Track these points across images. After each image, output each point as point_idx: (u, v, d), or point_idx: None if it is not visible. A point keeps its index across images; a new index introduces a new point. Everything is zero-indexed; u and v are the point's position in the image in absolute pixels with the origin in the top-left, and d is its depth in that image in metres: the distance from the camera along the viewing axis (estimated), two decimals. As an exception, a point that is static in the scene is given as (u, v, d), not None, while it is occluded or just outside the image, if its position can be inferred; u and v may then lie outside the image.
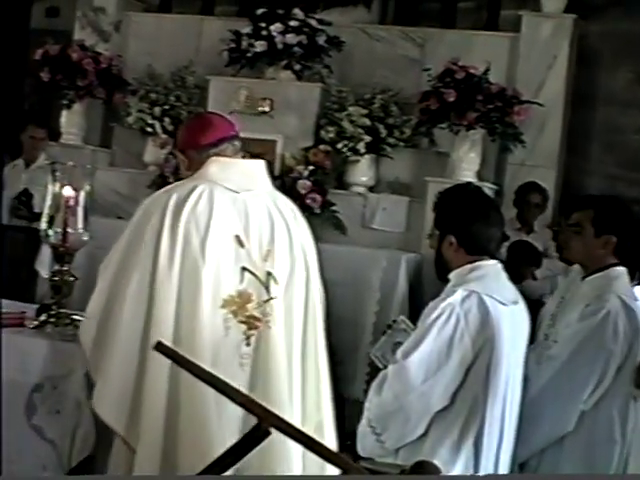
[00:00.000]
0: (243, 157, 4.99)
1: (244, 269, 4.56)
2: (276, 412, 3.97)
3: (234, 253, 4.55)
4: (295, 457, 4.40)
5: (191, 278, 4.46)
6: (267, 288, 4.59)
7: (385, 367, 4.77)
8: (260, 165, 4.86)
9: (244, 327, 4.55)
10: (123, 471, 4.41)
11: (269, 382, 4.55)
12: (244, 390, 4.08)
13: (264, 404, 4.39)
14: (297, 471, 4.41)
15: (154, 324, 4.43)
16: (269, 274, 4.60)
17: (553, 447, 4.92)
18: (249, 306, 4.56)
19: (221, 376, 3.86)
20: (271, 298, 4.59)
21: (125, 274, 4.54)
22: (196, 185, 4.60)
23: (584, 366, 4.79)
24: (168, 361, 3.84)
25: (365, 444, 4.64)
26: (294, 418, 4.47)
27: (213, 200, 4.55)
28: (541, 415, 4.88)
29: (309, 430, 4.48)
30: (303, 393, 4.68)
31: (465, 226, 4.73)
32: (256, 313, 4.57)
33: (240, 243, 4.57)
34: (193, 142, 4.89)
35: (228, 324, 4.52)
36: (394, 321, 5.29)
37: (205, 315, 4.45)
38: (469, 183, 5.40)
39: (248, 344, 4.55)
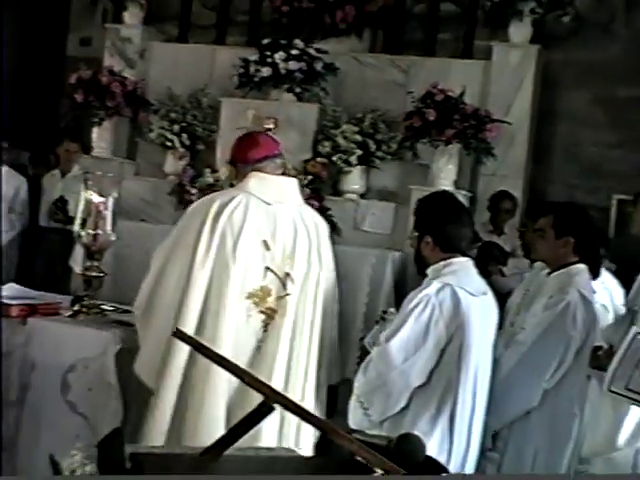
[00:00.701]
0: (283, 173, 5.20)
1: (267, 268, 4.83)
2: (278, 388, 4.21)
3: (261, 255, 4.81)
4: None
5: (222, 272, 4.71)
6: (284, 286, 4.85)
7: None
8: (292, 182, 5.14)
9: (263, 316, 4.83)
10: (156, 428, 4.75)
11: (275, 361, 4.80)
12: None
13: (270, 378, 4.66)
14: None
15: (185, 306, 4.70)
16: (287, 274, 4.86)
17: (521, 419, 4.95)
18: (269, 299, 4.83)
19: (241, 355, 4.63)
20: (287, 294, 4.85)
21: (170, 263, 4.84)
22: (236, 195, 4.84)
23: (547, 349, 4.82)
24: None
25: (354, 417, 4.68)
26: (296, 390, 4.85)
27: (248, 209, 4.79)
28: (510, 392, 4.91)
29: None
30: (305, 374, 4.95)
31: (439, 227, 4.79)
32: (273, 306, 4.84)
33: (267, 247, 4.83)
34: (241, 157, 5.13)
35: (250, 313, 4.80)
36: (384, 312, 5.31)
37: (231, 303, 4.71)
38: (444, 191, 5.47)
39: (265, 330, 4.82)
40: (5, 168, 9.68)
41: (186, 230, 4.89)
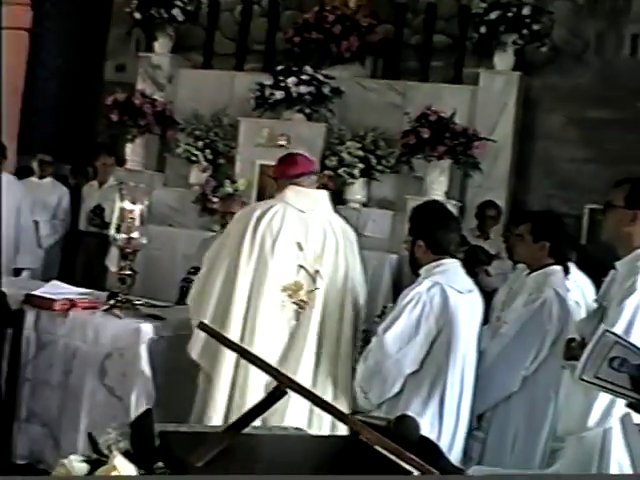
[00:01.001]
0: (318, 187, 5.45)
1: (300, 266, 4.98)
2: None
3: (295, 254, 4.97)
4: None
5: (262, 268, 4.89)
6: (314, 281, 4.98)
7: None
8: (323, 194, 5.28)
9: (295, 307, 4.96)
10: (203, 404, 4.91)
11: (305, 346, 4.95)
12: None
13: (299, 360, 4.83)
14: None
15: (233, 295, 4.89)
16: (317, 272, 4.99)
17: (503, 402, 4.95)
18: (300, 292, 4.98)
19: (277, 338, 4.89)
20: (316, 289, 4.97)
21: (219, 260, 5.00)
22: (274, 204, 5.05)
23: (526, 341, 4.83)
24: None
25: (358, 400, 4.70)
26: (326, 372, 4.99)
27: (284, 216, 4.98)
28: (493, 379, 4.91)
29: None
30: (334, 358, 5.05)
31: (430, 232, 4.80)
32: (305, 298, 4.97)
33: (300, 248, 4.99)
34: (281, 173, 5.30)
35: (284, 303, 4.94)
36: (385, 307, 5.34)
37: (268, 294, 4.89)
38: (434, 200, 5.50)
39: (297, 319, 4.95)
40: (49, 179, 9.70)
41: (232, 233, 5.06)
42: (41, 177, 9.60)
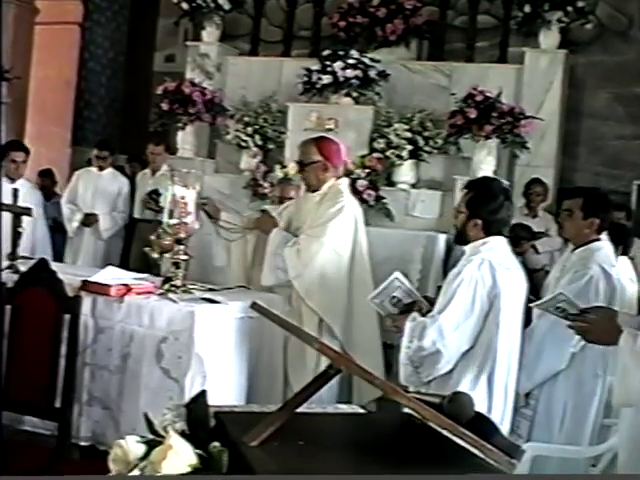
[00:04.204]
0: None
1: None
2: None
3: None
4: None
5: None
6: None
7: (384, 313, 4.91)
8: None
9: None
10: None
11: None
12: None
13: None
14: None
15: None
16: None
17: (550, 380, 4.95)
18: None
19: None
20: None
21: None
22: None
23: None
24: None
25: (405, 375, 4.61)
26: None
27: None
28: (541, 357, 4.89)
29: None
30: None
31: (490, 215, 4.68)
32: None
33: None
34: (340, 161, 6.08)
35: None
36: (439, 287, 5.27)
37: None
38: (497, 181, 5.29)
39: None
40: (109, 170, 9.70)
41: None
42: (100, 169, 9.63)
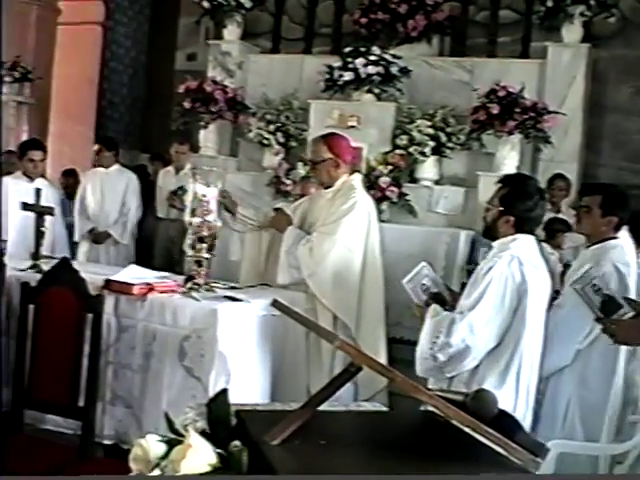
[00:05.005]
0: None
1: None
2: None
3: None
4: None
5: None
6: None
7: (417, 300, 4.90)
8: None
9: None
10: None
11: None
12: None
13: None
14: None
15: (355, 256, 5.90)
16: None
17: (556, 375, 4.92)
18: None
19: None
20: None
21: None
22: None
23: (581, 315, 4.69)
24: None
25: (424, 367, 4.57)
26: None
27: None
28: (548, 351, 4.82)
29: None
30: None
31: (525, 214, 4.66)
32: None
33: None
34: (354, 158, 6.24)
35: None
36: (463, 283, 5.26)
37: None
38: (533, 179, 5.22)
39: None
40: (115, 167, 9.61)
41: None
42: (104, 166, 9.56)
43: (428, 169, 9.40)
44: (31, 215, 6.25)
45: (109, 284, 5.23)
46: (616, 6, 9.61)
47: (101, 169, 9.58)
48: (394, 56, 9.66)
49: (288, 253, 5.90)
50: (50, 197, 7.59)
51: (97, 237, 9.34)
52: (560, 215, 8.77)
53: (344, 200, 5.88)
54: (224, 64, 10.78)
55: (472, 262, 7.78)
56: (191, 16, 11.64)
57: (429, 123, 9.27)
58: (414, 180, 9.40)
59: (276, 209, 6.44)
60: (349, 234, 5.82)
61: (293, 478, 2.27)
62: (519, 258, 4.54)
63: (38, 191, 6.26)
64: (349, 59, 9.65)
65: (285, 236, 5.99)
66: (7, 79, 11.53)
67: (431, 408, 2.52)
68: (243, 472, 2.33)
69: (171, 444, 2.41)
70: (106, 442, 5.17)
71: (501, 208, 4.70)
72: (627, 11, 9.98)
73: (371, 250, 6.00)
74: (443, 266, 8.03)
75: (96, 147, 9.66)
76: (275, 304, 2.96)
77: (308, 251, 5.80)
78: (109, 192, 9.43)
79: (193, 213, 5.44)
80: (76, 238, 9.26)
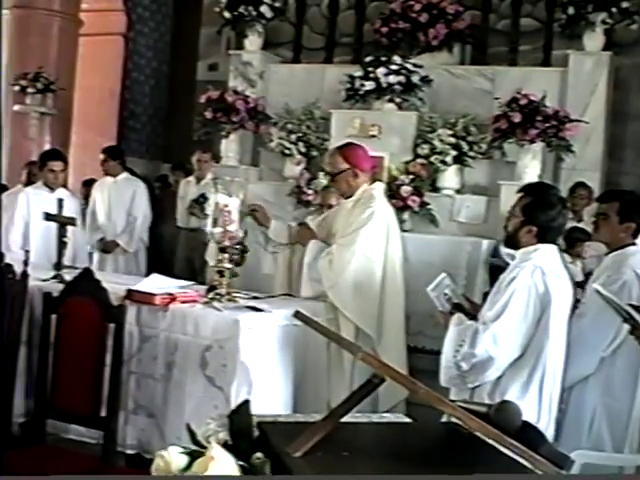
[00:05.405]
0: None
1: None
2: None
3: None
4: None
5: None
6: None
7: (442, 308, 4.87)
8: None
9: None
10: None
11: None
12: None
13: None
14: None
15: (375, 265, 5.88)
16: None
17: (580, 384, 4.90)
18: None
19: None
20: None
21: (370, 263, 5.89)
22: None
23: (604, 323, 4.68)
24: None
25: (448, 377, 4.54)
26: None
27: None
28: (572, 360, 4.78)
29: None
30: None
31: (547, 225, 4.62)
32: None
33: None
34: (372, 167, 6.21)
35: None
36: (486, 293, 5.25)
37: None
38: (555, 189, 5.19)
39: None
40: (123, 175, 9.67)
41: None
42: (111, 175, 9.59)
43: (450, 178, 9.37)
44: (53, 225, 6.27)
45: (131, 294, 5.24)
46: (638, 13, 9.56)
47: (109, 178, 9.62)
48: (415, 65, 9.65)
49: (310, 266, 5.90)
50: (71, 207, 7.62)
51: (106, 246, 9.37)
52: (582, 224, 8.73)
53: (362, 210, 5.87)
54: (245, 74, 10.79)
55: (496, 255, 7.75)
56: (212, 26, 11.67)
57: (450, 132, 9.24)
58: (436, 189, 9.37)
59: (300, 224, 6.43)
60: (368, 243, 5.80)
61: (294, 478, 2.26)
62: (542, 268, 4.50)
63: (60, 201, 6.28)
64: (370, 68, 9.64)
65: (307, 249, 5.99)
66: (30, 90, 11.63)
67: (454, 419, 2.50)
68: (266, 485, 2.32)
69: (193, 456, 2.40)
70: (129, 451, 5.17)
71: (523, 218, 4.67)
72: (649, 18, 9.93)
73: (391, 259, 5.98)
74: (465, 275, 8.00)
75: (101, 156, 9.68)
76: (297, 315, 2.95)
77: (328, 263, 5.79)
78: (116, 201, 9.46)
79: (215, 223, 5.44)
80: (87, 248, 9.28)
